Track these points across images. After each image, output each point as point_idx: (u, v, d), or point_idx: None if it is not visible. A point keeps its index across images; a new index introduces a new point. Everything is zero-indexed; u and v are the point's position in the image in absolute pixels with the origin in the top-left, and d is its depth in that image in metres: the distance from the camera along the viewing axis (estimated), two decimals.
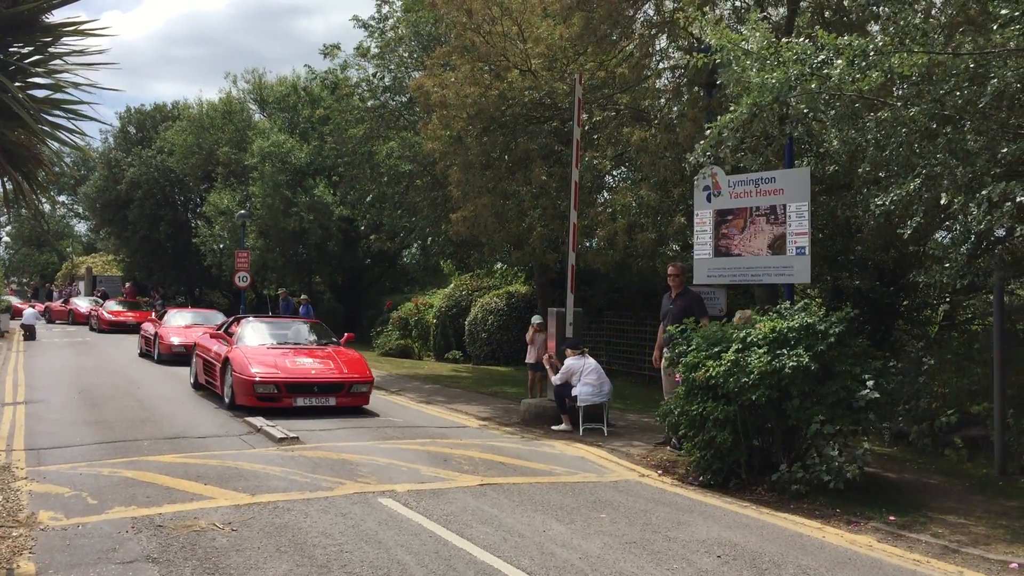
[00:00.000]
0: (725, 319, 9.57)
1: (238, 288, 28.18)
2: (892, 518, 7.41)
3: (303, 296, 26.32)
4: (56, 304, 42.30)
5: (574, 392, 11.57)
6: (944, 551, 6.62)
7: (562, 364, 11.89)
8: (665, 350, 10.01)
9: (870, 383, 7.94)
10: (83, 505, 7.25)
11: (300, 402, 12.56)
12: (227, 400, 12.95)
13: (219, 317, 22.52)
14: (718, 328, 8.92)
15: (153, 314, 25.16)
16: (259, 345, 13.85)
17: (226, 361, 13.22)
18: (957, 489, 8.60)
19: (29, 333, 27.11)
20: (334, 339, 15.11)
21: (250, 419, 11.76)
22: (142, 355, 20.73)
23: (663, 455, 10.04)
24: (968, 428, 9.99)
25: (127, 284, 44.19)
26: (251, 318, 15.69)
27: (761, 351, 8.13)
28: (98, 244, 54.55)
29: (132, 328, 28.65)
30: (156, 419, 11.87)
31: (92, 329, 32.34)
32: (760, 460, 8.57)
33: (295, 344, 14.35)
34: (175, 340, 18.96)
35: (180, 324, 20.71)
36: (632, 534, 6.80)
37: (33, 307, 33.29)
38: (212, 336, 15.24)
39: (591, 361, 11.75)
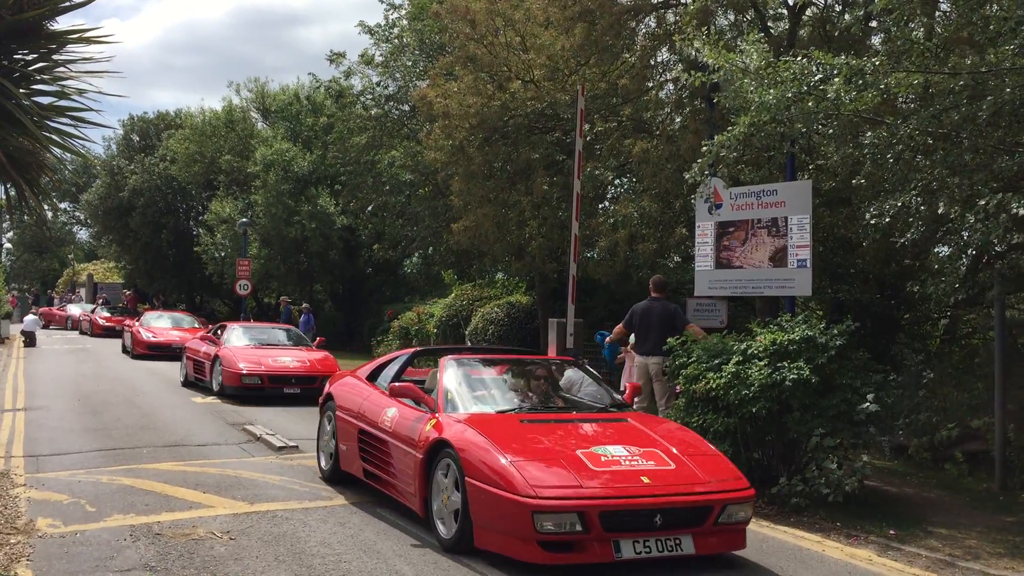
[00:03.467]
0: (726, 331, 9.56)
1: (239, 296, 28.24)
2: (892, 532, 7.39)
3: (304, 304, 26.32)
4: (55, 309, 43.26)
5: None
6: (944, 565, 6.60)
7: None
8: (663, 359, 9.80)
9: (870, 396, 7.93)
10: (81, 512, 7.24)
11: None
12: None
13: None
14: (718, 340, 8.91)
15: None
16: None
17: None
18: (957, 503, 8.58)
19: (29, 339, 27.11)
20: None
21: (249, 427, 11.75)
22: (186, 384, 17.24)
23: None
24: (968, 442, 9.97)
25: (128, 292, 44.17)
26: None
27: (762, 363, 8.12)
28: (99, 251, 54.54)
29: (119, 333, 30.18)
30: (155, 427, 11.85)
31: (83, 333, 35.10)
32: (760, 473, 8.55)
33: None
34: (244, 366, 14.95)
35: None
36: None
37: (34, 313, 33.42)
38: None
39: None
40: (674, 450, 6.53)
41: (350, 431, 8.11)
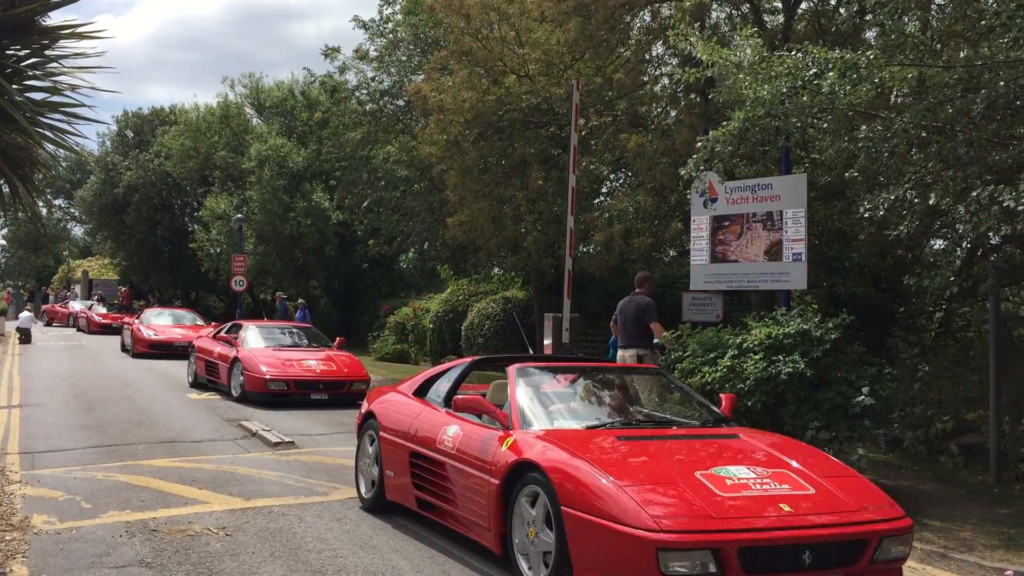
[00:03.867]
0: (721, 325, 9.57)
1: (235, 292, 28.20)
2: None
3: (300, 300, 26.29)
4: (58, 306, 42.87)
5: None
6: (939, 557, 6.62)
7: None
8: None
9: (865, 389, 7.95)
10: (77, 509, 7.23)
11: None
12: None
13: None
14: (714, 334, 8.92)
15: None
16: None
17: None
18: (952, 496, 8.61)
19: (25, 336, 27.07)
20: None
21: (245, 423, 11.75)
22: (195, 385, 16.29)
23: None
24: (963, 435, 10.00)
25: (123, 288, 44.12)
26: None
27: (757, 357, 8.14)
28: (94, 248, 54.45)
29: (116, 330, 30.03)
30: (151, 423, 11.84)
31: (80, 330, 34.74)
32: None
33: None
34: (268, 371, 13.96)
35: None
36: None
37: (29, 311, 33.32)
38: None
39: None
40: (809, 472, 5.38)
41: (399, 455, 6.98)
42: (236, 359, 14.50)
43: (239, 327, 16.10)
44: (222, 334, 16.31)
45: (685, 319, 10.77)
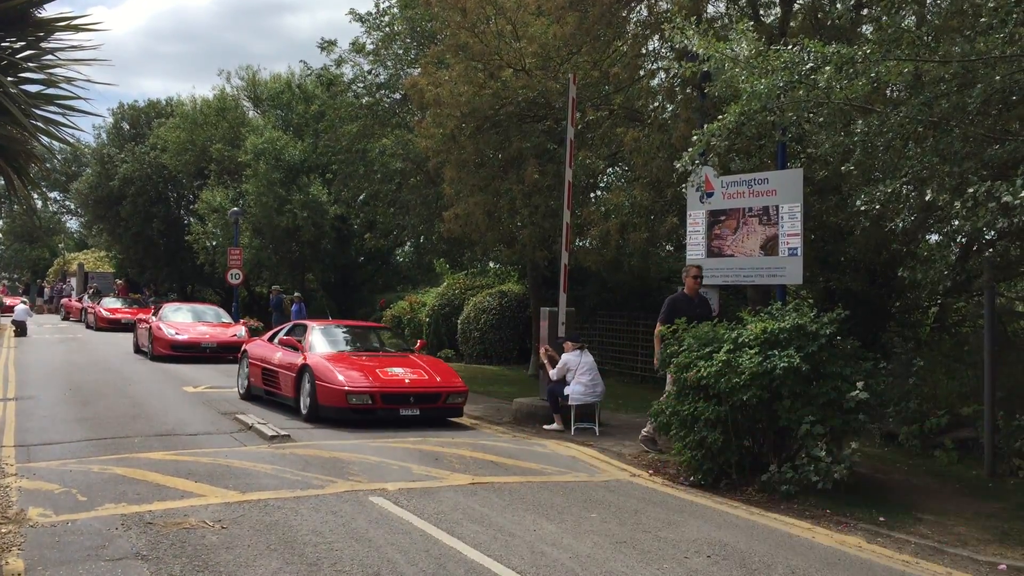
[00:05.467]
0: (716, 320, 9.59)
1: (230, 285, 28.15)
2: (881, 519, 7.43)
3: (296, 294, 26.27)
4: (72, 301, 42.04)
5: (566, 391, 11.57)
6: (933, 552, 6.65)
7: (560, 357, 11.87)
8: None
9: (860, 384, 7.97)
10: (73, 502, 7.24)
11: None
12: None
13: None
14: (709, 328, 8.94)
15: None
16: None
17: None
18: (946, 490, 8.64)
19: (20, 329, 27.03)
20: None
21: (241, 416, 11.75)
22: (247, 397, 14.13)
23: (654, 455, 10.05)
24: (958, 430, 10.03)
25: (119, 281, 44.03)
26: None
27: (752, 352, 8.15)
28: (90, 240, 54.34)
29: (125, 326, 28.81)
30: (147, 416, 11.84)
31: (88, 327, 32.62)
32: (750, 460, 8.60)
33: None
34: (345, 380, 11.74)
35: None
36: (623, 534, 6.81)
37: (24, 303, 33.11)
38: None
39: (588, 359, 11.73)
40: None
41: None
42: (305, 367, 12.20)
43: (304, 327, 13.88)
44: (282, 336, 14.01)
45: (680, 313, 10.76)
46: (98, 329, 31.07)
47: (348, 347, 13.35)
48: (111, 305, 33.15)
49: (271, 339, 14.39)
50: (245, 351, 14.59)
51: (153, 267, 41.83)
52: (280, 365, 13.04)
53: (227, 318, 23.68)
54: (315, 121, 28.69)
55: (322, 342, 13.20)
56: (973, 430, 9.83)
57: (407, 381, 11.96)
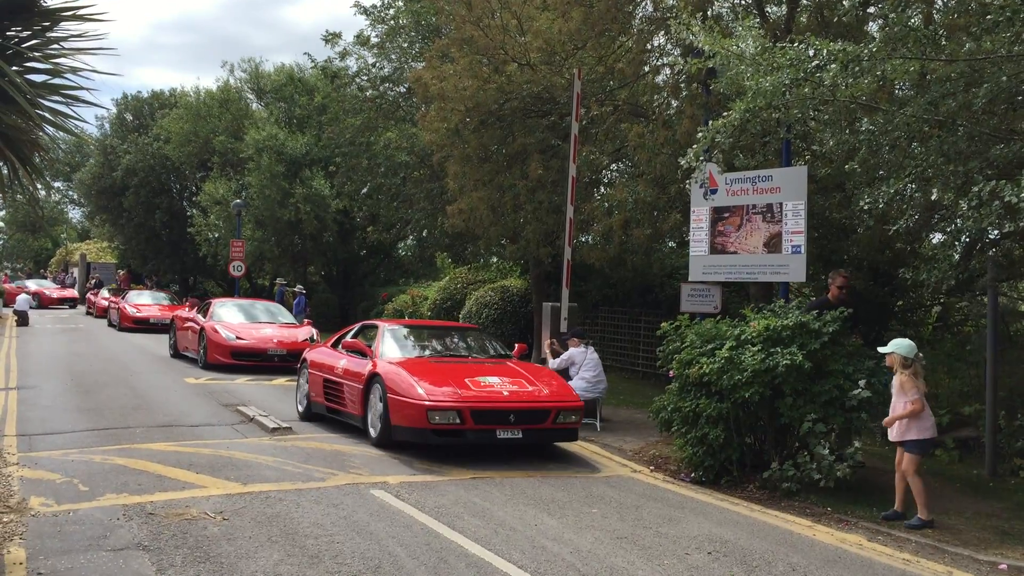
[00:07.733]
0: (719, 317, 9.58)
1: (233, 277, 28.14)
2: (882, 517, 7.43)
3: (298, 287, 26.27)
4: (91, 295, 37.81)
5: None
6: (934, 551, 6.65)
7: (564, 351, 11.86)
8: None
9: (862, 382, 7.98)
10: (74, 492, 7.25)
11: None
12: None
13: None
14: (712, 325, 8.94)
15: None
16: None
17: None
18: (947, 490, 8.64)
19: (22, 319, 27.06)
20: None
21: (243, 408, 11.76)
22: (308, 417, 11.80)
23: (656, 451, 10.06)
24: (959, 429, 10.03)
25: (122, 272, 44.05)
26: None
27: (755, 349, 8.15)
28: (92, 231, 54.36)
29: (157, 327, 24.99)
30: (149, 407, 11.85)
31: (111, 325, 28.28)
32: (752, 458, 8.60)
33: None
34: (425, 393, 9.19)
35: None
36: (623, 529, 6.82)
37: (26, 293, 33.11)
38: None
39: (593, 355, 11.72)
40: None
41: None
42: (374, 376, 9.90)
43: (374, 328, 11.61)
44: (348, 339, 11.40)
45: (683, 310, 10.78)
46: (121, 329, 26.59)
47: (428, 352, 11.05)
48: (137, 300, 28.50)
49: (335, 344, 11.92)
50: (305, 360, 12.19)
51: (155, 258, 41.82)
52: (344, 375, 10.74)
53: (286, 316, 19.55)
54: (318, 114, 28.65)
55: (397, 346, 10.83)
56: (974, 429, 9.83)
57: (505, 394, 9.43)
